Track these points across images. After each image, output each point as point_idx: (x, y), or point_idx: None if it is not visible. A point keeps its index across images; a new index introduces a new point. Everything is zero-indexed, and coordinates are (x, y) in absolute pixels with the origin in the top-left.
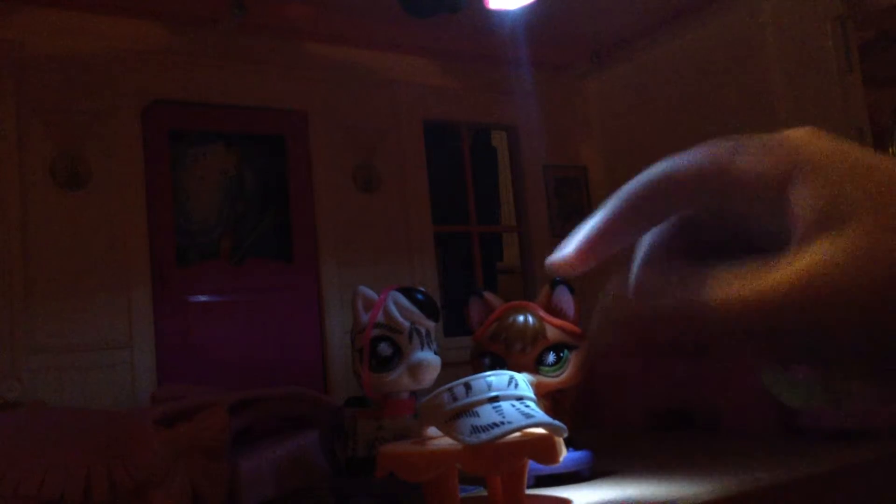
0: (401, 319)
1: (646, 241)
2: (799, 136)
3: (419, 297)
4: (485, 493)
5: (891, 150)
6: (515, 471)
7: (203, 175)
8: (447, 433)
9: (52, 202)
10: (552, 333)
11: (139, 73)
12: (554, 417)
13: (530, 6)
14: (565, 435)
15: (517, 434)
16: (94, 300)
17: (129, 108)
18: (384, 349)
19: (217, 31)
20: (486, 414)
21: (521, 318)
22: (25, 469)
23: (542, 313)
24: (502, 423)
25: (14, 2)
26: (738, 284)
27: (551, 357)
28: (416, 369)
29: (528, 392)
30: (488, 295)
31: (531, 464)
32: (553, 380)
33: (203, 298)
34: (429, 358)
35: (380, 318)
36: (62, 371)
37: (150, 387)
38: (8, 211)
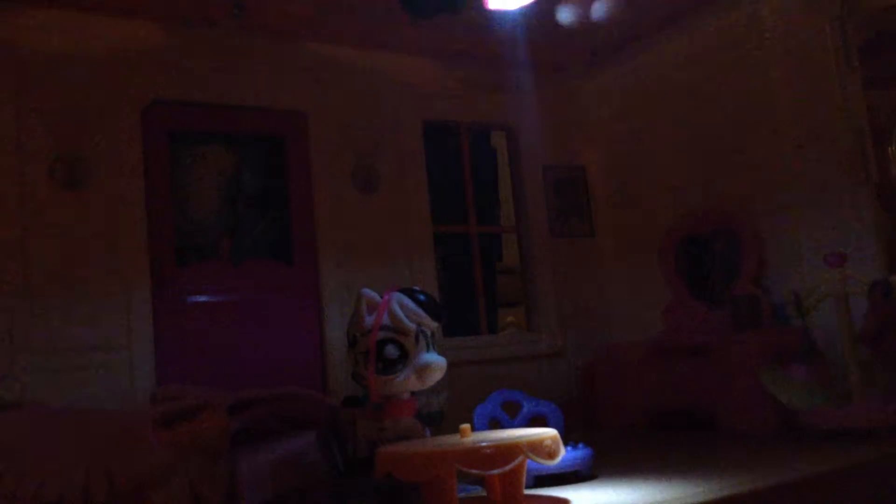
0: (407, 322)
1: None
2: None
3: (422, 298)
4: (484, 493)
5: (890, 150)
6: (514, 470)
7: (202, 175)
8: None
9: (51, 202)
10: None
11: (139, 73)
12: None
13: (530, 6)
14: None
15: (515, 435)
16: (94, 300)
17: (129, 108)
18: (391, 351)
19: (217, 31)
20: None
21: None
22: (25, 470)
23: None
24: None
25: (14, 2)
26: None
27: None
28: (423, 371)
29: None
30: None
31: (531, 464)
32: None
33: (202, 299)
34: (435, 359)
35: (385, 320)
36: (61, 371)
37: (149, 387)
38: (7, 210)
